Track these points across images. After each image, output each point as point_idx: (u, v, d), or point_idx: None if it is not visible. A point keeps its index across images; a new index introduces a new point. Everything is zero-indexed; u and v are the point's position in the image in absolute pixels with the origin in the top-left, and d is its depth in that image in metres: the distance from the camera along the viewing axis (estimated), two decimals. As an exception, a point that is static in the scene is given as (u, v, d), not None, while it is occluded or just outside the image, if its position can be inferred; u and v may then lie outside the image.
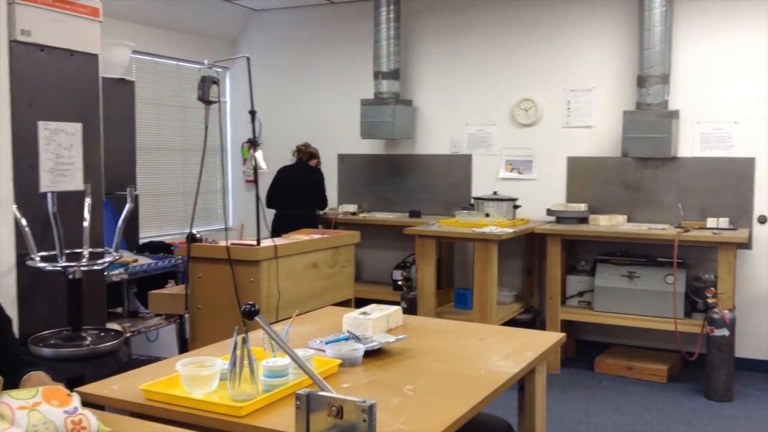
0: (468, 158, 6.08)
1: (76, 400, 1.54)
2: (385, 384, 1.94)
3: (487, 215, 5.28)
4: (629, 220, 5.42)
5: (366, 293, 5.61)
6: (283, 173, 5.79)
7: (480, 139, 6.03)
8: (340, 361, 2.09)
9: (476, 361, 2.16)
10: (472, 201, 5.62)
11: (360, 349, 2.18)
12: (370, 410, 1.30)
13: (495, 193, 5.55)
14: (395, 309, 2.66)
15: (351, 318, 2.50)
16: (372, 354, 2.20)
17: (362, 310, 2.59)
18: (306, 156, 5.86)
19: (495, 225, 5.02)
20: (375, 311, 2.57)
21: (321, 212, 6.00)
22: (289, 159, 5.99)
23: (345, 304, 4.12)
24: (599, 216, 5.28)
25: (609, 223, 5.23)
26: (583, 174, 5.66)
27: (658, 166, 5.37)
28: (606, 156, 5.57)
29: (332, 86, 6.61)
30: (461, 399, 1.81)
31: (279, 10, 6.81)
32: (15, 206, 3.11)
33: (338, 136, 6.51)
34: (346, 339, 2.32)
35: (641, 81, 5.20)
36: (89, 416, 1.51)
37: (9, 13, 3.08)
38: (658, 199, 5.39)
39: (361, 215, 6.16)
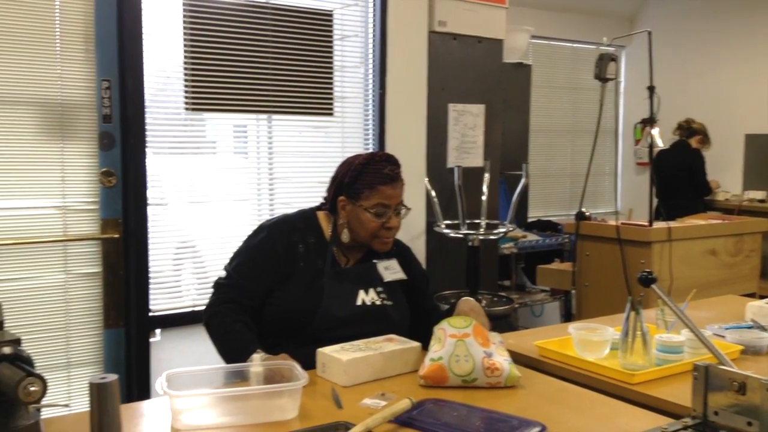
0: None
1: (494, 346, 1.67)
2: (799, 379, 1.72)
3: None
4: None
5: (773, 291, 4.97)
6: (659, 160, 5.34)
7: None
8: (741, 348, 1.92)
9: None
10: None
11: (765, 337, 1.97)
12: (783, 392, 1.18)
13: None
14: (814, 302, 2.32)
15: (756, 306, 2.27)
16: (781, 346, 1.97)
17: (770, 299, 2.33)
18: (686, 133, 5.38)
19: None
20: (788, 302, 2.29)
21: (706, 198, 5.45)
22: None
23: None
24: None
25: None
26: None
27: None
28: None
29: (742, 59, 5.94)
30: None
31: (683, -19, 6.37)
32: (427, 179, 3.54)
33: (747, 115, 5.84)
34: (749, 327, 2.12)
35: None
36: (503, 363, 1.63)
37: (429, 7, 3.51)
38: None
39: (772, 203, 5.46)
